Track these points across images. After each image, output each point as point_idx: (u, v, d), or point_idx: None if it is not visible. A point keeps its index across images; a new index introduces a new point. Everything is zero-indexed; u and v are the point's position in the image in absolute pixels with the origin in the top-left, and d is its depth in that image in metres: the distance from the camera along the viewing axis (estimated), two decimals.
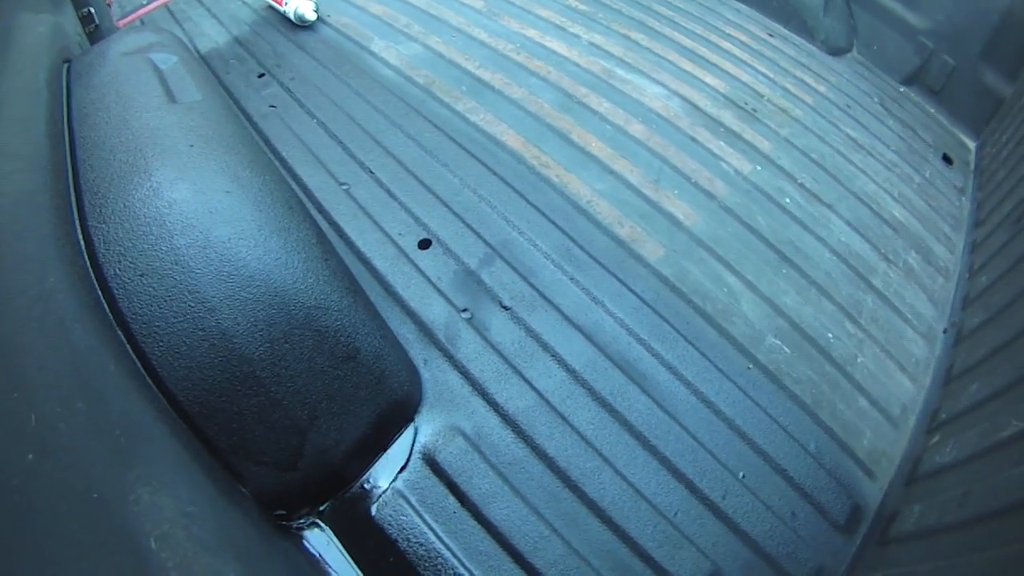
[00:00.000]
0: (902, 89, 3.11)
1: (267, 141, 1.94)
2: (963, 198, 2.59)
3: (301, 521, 1.25)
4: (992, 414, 1.32)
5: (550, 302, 1.59)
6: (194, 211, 1.10)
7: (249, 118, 2.02)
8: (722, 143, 2.10)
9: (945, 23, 3.05)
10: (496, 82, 2.16)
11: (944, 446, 1.40)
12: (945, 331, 1.91)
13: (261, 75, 2.18)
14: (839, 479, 1.44)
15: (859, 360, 1.67)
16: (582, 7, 2.67)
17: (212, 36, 2.41)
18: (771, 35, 2.93)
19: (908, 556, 1.21)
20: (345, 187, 1.79)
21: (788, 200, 1.98)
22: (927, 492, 1.33)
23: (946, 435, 1.44)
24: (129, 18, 2.57)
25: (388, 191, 1.79)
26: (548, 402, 1.43)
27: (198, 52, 2.32)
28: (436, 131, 1.97)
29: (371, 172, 1.84)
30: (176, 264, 1.04)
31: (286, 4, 2.34)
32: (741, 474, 1.40)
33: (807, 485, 1.41)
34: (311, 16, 2.35)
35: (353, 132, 1.95)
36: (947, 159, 2.78)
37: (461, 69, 2.20)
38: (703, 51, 2.56)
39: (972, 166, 2.87)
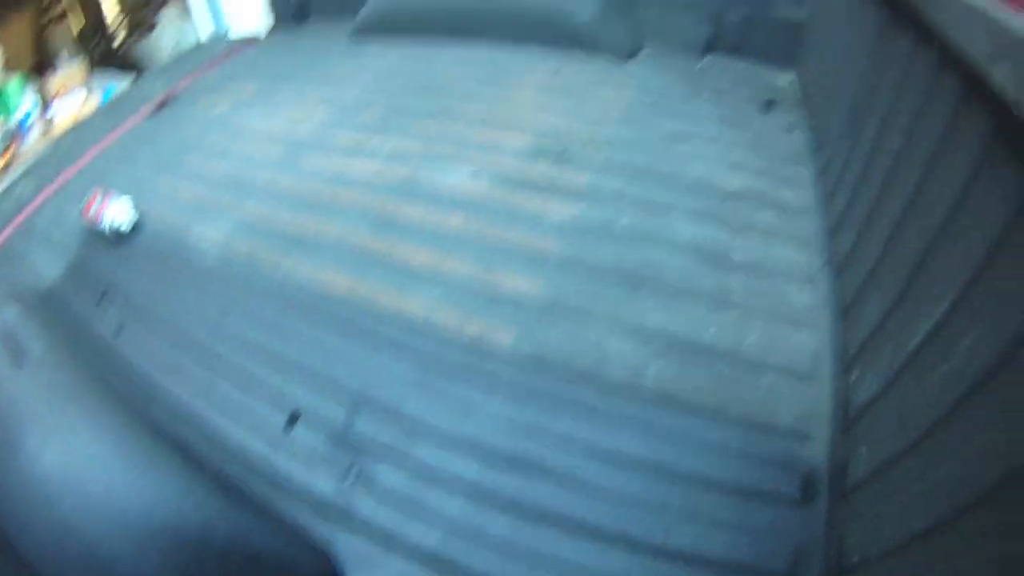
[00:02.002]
0: (703, 61, 3.19)
1: (125, 362, 1.91)
2: (796, 132, 2.64)
3: None
4: (896, 328, 1.33)
5: (425, 429, 1.58)
6: (68, 473, 1.13)
7: (102, 343, 1.99)
8: (541, 198, 2.11)
9: None
10: (311, 229, 2.15)
11: (864, 379, 1.41)
12: (825, 265, 1.92)
13: (102, 296, 2.15)
14: (776, 460, 1.42)
15: (748, 340, 1.67)
16: (374, 118, 2.70)
17: (47, 270, 2.36)
18: (562, 68, 2.99)
19: (873, 498, 1.21)
20: (206, 387, 1.78)
21: (623, 223, 2.00)
22: (866, 431, 1.33)
23: (863, 367, 1.45)
24: None
25: (244, 377, 1.77)
26: (459, 526, 1.41)
27: (37, 290, 2.29)
28: (269, 301, 1.95)
29: (226, 364, 1.82)
30: (69, 530, 1.07)
31: (104, 216, 2.33)
32: (674, 505, 1.38)
33: (746, 482, 1.40)
34: (129, 221, 2.34)
35: (197, 330, 1.93)
36: (769, 104, 2.84)
37: (276, 228, 2.19)
38: (499, 113, 2.59)
39: (797, 98, 2.94)
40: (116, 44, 5.99)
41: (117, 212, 2.32)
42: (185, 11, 5.37)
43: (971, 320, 1.04)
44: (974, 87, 1.17)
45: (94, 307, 2.12)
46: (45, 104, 4.82)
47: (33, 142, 4.55)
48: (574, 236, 1.98)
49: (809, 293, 1.81)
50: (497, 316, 1.78)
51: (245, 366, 1.80)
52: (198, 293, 2.04)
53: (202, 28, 4.94)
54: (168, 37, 5.63)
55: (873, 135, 1.76)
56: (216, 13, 4.87)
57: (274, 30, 4.30)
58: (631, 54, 3.25)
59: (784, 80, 3.09)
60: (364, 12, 3.77)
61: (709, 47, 3.26)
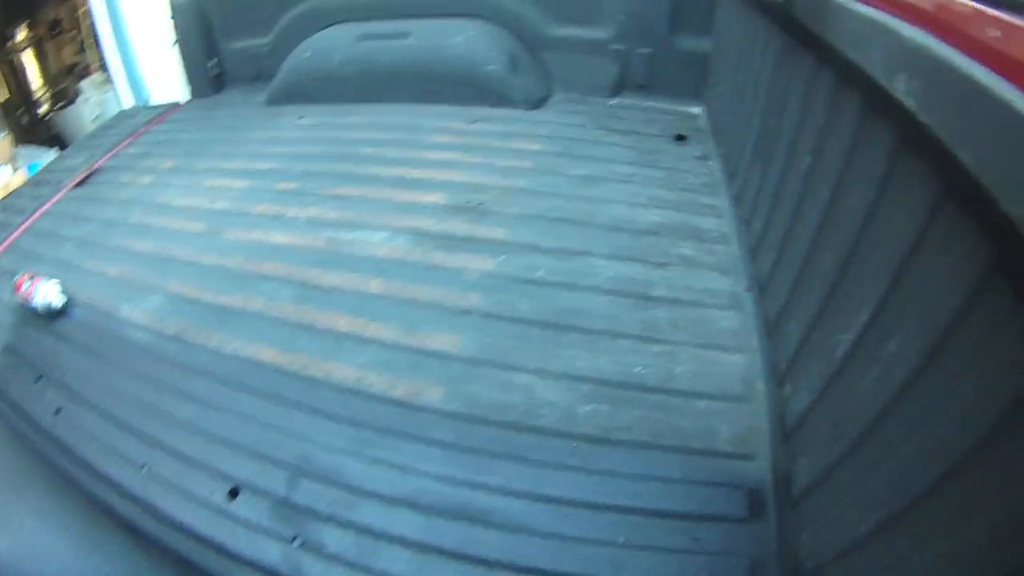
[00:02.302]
0: (613, 102, 3.27)
1: (66, 444, 1.89)
2: (709, 162, 2.72)
3: None
4: (822, 340, 1.36)
5: (365, 492, 1.59)
6: (19, 559, 1.16)
7: (40, 427, 1.97)
8: (460, 254, 2.16)
9: (626, 21, 3.24)
10: (236, 303, 2.16)
11: (797, 392, 1.44)
12: (748, 289, 1.98)
13: (38, 379, 2.13)
14: (720, 482, 1.46)
15: (678, 371, 1.71)
16: (291, 186, 2.73)
17: None
18: (474, 122, 3.05)
19: (819, 506, 1.23)
20: (145, 468, 1.76)
21: (542, 272, 2.04)
22: (804, 442, 1.36)
23: (794, 381, 1.48)
24: None
25: (183, 456, 1.76)
26: None
27: None
28: (202, 377, 1.95)
29: (161, 444, 1.81)
30: None
31: (35, 298, 2.31)
32: (621, 539, 1.40)
33: (692, 508, 1.42)
34: (59, 302, 2.32)
35: (133, 410, 1.91)
36: (680, 138, 2.92)
37: (202, 304, 2.20)
38: (414, 173, 2.64)
39: (707, 128, 3.03)
40: (40, 114, 5.94)
41: (47, 293, 2.31)
42: (107, 80, 5.35)
43: (893, 326, 1.07)
44: (876, 100, 1.20)
45: (30, 388, 2.11)
46: None
47: None
48: (494, 290, 2.02)
49: (734, 317, 1.87)
50: (424, 375, 1.80)
51: (182, 444, 1.80)
52: (132, 373, 2.03)
53: (124, 96, 4.92)
54: (91, 106, 5.60)
55: (783, 157, 1.82)
56: (136, 81, 4.86)
57: (191, 100, 4.32)
58: (541, 102, 3.35)
59: (694, 113, 3.19)
60: (276, 81, 3.84)
61: (617, 88, 3.36)
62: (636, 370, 1.72)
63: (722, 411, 1.61)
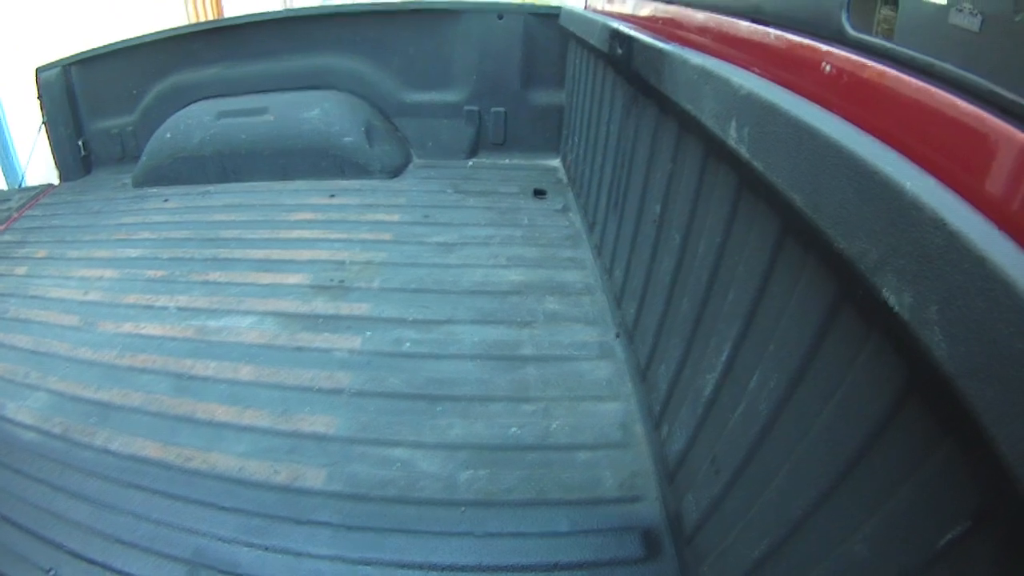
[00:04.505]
0: (471, 163, 3.36)
1: None
2: (569, 214, 2.82)
3: None
4: (689, 381, 1.42)
5: None
6: None
7: None
8: (326, 334, 2.17)
9: (478, 82, 3.34)
10: (116, 399, 2.10)
11: (673, 433, 1.50)
12: (617, 336, 2.05)
13: None
14: (611, 528, 1.49)
15: (554, 426, 1.76)
16: (160, 274, 2.69)
17: None
18: (333, 196, 3.07)
19: (712, 538, 1.26)
20: (52, 571, 1.69)
21: (408, 344, 2.08)
22: (687, 479, 1.40)
23: (669, 423, 1.53)
24: None
25: (84, 558, 1.70)
26: None
27: None
28: (91, 477, 1.88)
29: (61, 546, 1.74)
30: None
31: None
32: None
33: (587, 557, 1.44)
34: None
35: (29, 513, 1.83)
36: (539, 192, 3.02)
37: (83, 401, 2.13)
38: (277, 253, 2.65)
39: (566, 180, 3.13)
40: None
41: None
42: None
43: (753, 362, 1.13)
44: (713, 148, 1.27)
45: None
46: None
47: None
48: (362, 367, 2.03)
49: (605, 367, 1.93)
50: (304, 458, 1.79)
51: (79, 546, 1.73)
52: (22, 474, 1.94)
53: None
54: None
55: (635, 206, 1.91)
56: (10, 163, 4.73)
57: (61, 183, 4.15)
58: (399, 170, 3.40)
59: (552, 166, 3.31)
60: (141, 163, 3.75)
61: (474, 148, 3.46)
62: (512, 431, 1.76)
63: (604, 459, 1.66)
